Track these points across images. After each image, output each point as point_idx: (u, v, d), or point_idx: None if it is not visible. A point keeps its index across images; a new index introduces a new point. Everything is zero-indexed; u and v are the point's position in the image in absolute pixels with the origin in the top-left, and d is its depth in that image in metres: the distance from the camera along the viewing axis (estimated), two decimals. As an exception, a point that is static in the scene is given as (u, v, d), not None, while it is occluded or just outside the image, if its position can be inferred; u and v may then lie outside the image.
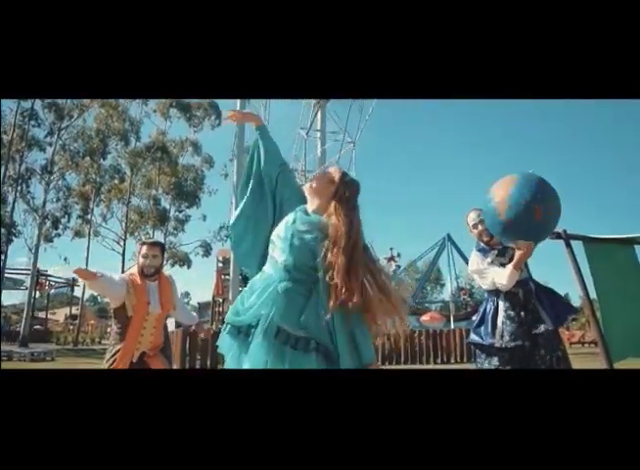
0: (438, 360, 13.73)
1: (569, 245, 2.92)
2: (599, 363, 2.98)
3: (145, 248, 3.42)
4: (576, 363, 3.26)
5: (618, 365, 2.88)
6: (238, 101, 18.46)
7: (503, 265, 3.10)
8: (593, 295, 3.02)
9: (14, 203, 23.09)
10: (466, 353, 13.56)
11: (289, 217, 2.05)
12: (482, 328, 3.12)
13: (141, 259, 3.39)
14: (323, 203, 2.02)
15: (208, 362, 11.24)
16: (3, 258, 22.69)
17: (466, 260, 22.22)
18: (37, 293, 29.64)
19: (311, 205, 2.07)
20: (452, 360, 13.86)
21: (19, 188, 23.38)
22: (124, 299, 3.28)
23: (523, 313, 3.02)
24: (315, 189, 2.06)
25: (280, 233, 2.00)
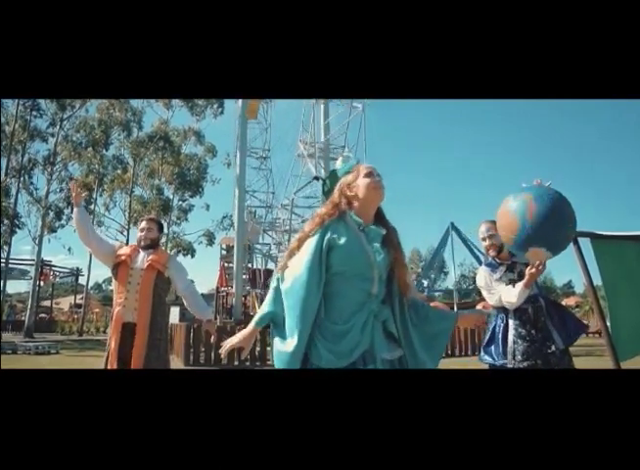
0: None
1: (576, 242, 2.85)
2: (603, 360, 2.93)
3: (142, 223, 3.72)
4: (581, 359, 3.22)
5: (625, 364, 2.83)
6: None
7: (512, 281, 3.04)
8: (598, 290, 2.97)
9: (17, 194, 23.12)
10: (470, 346, 13.84)
11: (357, 236, 1.88)
12: (493, 347, 3.06)
13: (138, 233, 3.65)
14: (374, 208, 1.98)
15: (212, 356, 11.25)
16: (7, 249, 22.78)
17: (469, 249, 22.23)
18: (42, 283, 29.75)
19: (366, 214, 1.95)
20: (457, 353, 13.91)
21: (21, 179, 23.40)
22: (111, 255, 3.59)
23: (533, 331, 2.96)
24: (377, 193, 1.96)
25: (364, 261, 1.84)
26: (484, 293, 3.18)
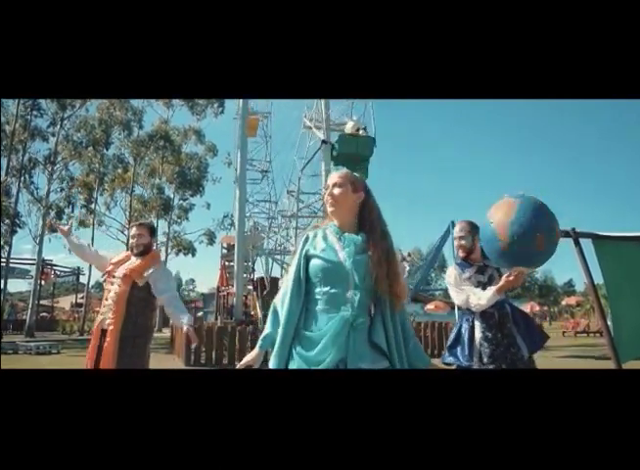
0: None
1: (578, 243, 2.85)
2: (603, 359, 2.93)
3: (133, 229, 3.69)
4: (583, 359, 3.21)
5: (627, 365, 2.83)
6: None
7: (480, 283, 3.04)
8: (599, 288, 2.97)
9: (17, 193, 23.13)
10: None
11: (332, 243, 1.92)
12: (459, 349, 3.02)
13: (130, 240, 3.66)
14: (352, 216, 1.98)
15: (213, 356, 11.27)
16: (7, 248, 22.78)
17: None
18: (43, 282, 29.76)
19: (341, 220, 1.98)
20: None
21: (22, 179, 23.40)
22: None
23: (499, 335, 2.94)
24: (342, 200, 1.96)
25: (333, 267, 1.86)
26: (452, 291, 3.14)
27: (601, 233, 2.93)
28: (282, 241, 21.17)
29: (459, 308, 3.17)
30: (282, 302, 1.93)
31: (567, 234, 2.81)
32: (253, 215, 23.22)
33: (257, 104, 23.61)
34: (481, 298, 2.91)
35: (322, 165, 19.24)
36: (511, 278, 2.70)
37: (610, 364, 2.81)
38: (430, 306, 22.88)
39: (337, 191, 1.95)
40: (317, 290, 1.87)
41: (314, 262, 1.89)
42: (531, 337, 3.01)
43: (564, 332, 28.30)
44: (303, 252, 1.94)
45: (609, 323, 2.89)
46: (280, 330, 1.86)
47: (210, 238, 31.68)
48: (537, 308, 35.12)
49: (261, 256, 20.67)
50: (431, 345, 13.74)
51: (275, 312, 1.96)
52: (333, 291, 1.84)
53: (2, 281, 22.64)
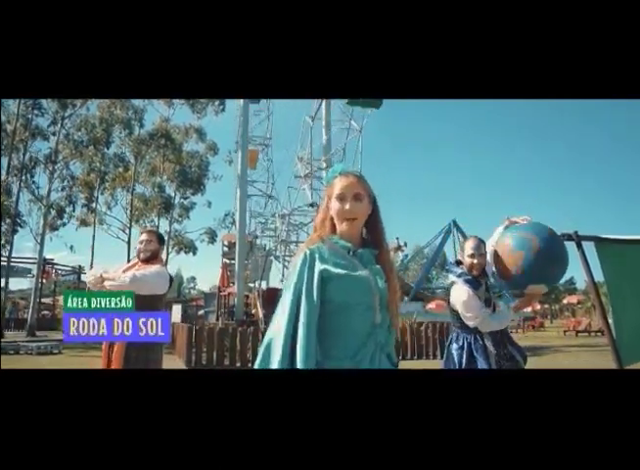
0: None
1: (580, 246, 2.84)
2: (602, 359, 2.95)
3: (143, 234, 3.69)
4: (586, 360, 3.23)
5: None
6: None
7: (487, 300, 3.07)
8: (600, 287, 2.98)
9: (18, 193, 23.11)
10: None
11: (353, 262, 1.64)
12: (479, 367, 2.95)
13: (138, 245, 3.64)
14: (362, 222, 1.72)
15: (214, 355, 11.30)
16: (9, 247, 22.78)
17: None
18: (44, 281, 29.78)
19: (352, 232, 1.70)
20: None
21: (23, 178, 23.38)
22: None
23: (505, 350, 3.01)
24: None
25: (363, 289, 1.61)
26: (467, 311, 2.98)
27: (603, 236, 2.92)
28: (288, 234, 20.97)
29: (455, 325, 3.13)
30: (301, 333, 1.54)
31: (569, 237, 2.81)
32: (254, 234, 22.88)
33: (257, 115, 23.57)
34: (502, 319, 3.01)
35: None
36: (528, 299, 2.91)
37: (611, 364, 2.81)
38: (430, 306, 22.85)
39: (358, 207, 1.67)
40: (343, 313, 1.61)
41: (336, 284, 1.60)
42: (520, 351, 3.10)
43: (565, 331, 28.28)
44: (315, 270, 1.61)
45: (610, 322, 2.89)
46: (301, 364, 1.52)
47: (212, 237, 31.73)
48: (538, 307, 35.12)
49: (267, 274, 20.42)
50: (432, 346, 13.62)
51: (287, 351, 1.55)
52: (361, 313, 1.62)
53: (3, 280, 22.65)
